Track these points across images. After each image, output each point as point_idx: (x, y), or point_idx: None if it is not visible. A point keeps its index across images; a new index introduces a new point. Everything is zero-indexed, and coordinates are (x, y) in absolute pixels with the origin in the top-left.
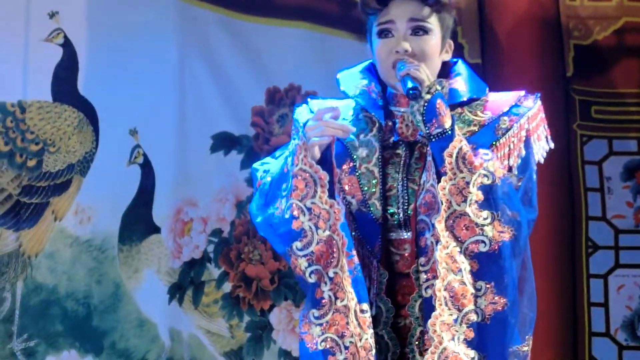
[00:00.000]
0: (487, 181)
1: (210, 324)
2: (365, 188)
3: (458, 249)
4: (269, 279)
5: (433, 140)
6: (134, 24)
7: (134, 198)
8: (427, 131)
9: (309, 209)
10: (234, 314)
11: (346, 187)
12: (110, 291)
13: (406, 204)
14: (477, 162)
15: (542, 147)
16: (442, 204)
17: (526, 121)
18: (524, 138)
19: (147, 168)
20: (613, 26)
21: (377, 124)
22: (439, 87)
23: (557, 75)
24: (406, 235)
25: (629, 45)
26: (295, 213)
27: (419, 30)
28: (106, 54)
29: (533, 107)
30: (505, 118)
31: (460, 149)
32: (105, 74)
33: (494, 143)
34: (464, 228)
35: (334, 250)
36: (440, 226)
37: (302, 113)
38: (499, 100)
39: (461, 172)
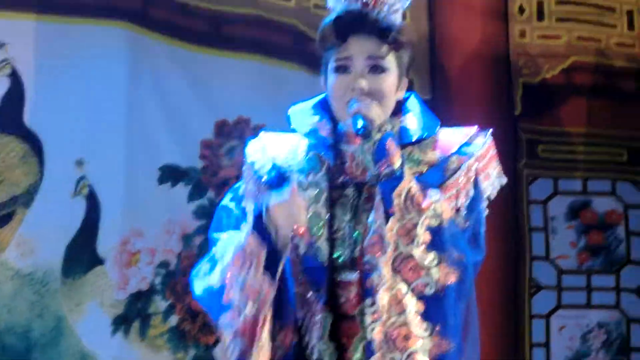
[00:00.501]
0: (434, 223)
1: (156, 357)
2: (313, 230)
3: (404, 290)
4: None
5: (382, 180)
6: (84, 54)
7: (78, 230)
8: (377, 171)
9: (242, 284)
10: (180, 347)
11: (294, 230)
12: (51, 325)
13: (352, 246)
14: (425, 203)
15: (491, 184)
16: (389, 245)
17: (475, 160)
18: (472, 178)
19: (92, 199)
20: (561, 65)
21: (326, 164)
22: (389, 127)
23: (505, 113)
24: (352, 277)
25: (576, 85)
26: (228, 286)
27: (377, 68)
28: (54, 84)
29: (483, 146)
30: (454, 158)
31: (409, 189)
32: (53, 104)
33: (442, 183)
34: (410, 270)
35: (259, 327)
36: (386, 267)
37: (253, 148)
38: (449, 138)
39: (409, 213)
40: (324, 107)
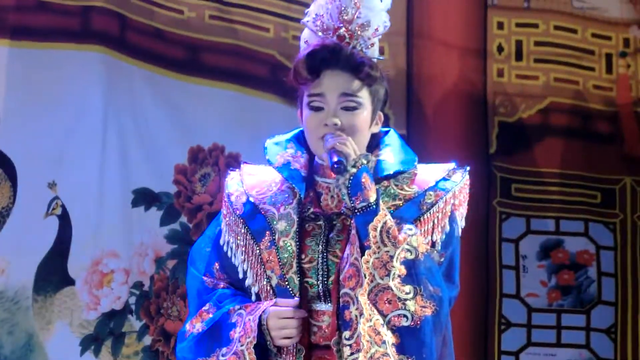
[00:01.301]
0: (410, 256)
1: None
2: (284, 262)
3: (381, 321)
4: None
5: (357, 214)
6: (59, 78)
7: (50, 249)
8: (352, 204)
9: None
10: None
11: (266, 262)
12: (22, 342)
13: (325, 276)
14: (401, 236)
15: (459, 225)
16: (365, 277)
17: (452, 196)
18: (449, 213)
19: (65, 220)
20: (538, 105)
21: (297, 196)
22: (364, 161)
23: (480, 151)
24: (325, 307)
25: (552, 126)
26: None
27: (350, 104)
28: (28, 108)
29: (460, 182)
30: (431, 193)
31: (385, 223)
32: (26, 128)
33: (418, 218)
34: (386, 302)
35: None
36: (363, 299)
37: (232, 180)
38: (427, 173)
39: (385, 246)
40: (299, 140)
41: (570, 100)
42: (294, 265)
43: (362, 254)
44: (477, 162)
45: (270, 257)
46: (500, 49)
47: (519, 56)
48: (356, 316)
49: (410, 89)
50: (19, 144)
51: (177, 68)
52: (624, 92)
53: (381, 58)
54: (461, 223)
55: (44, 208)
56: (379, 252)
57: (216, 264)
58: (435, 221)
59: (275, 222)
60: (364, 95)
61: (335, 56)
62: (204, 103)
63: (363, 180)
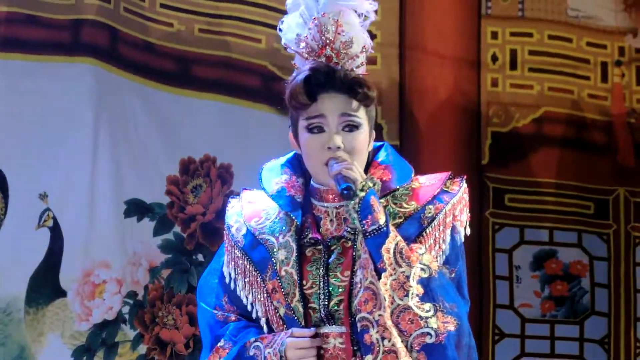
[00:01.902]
0: (424, 274)
1: None
2: (287, 291)
3: (405, 343)
4: (183, 344)
5: (369, 237)
6: (50, 89)
7: (42, 261)
8: (363, 228)
9: None
10: None
11: (271, 293)
12: (14, 354)
13: (327, 300)
14: (414, 256)
15: (462, 233)
16: (385, 299)
17: (451, 208)
18: (450, 225)
19: (56, 231)
20: (532, 115)
21: (294, 223)
22: (371, 185)
23: (473, 162)
24: (329, 329)
25: (547, 135)
26: None
27: (350, 125)
28: (19, 118)
29: (459, 192)
30: (431, 207)
31: (397, 244)
32: (17, 139)
33: (420, 233)
34: (409, 322)
35: None
36: (388, 322)
37: (232, 210)
38: (424, 186)
39: (400, 266)
40: (293, 164)
41: (564, 109)
42: (297, 293)
43: (379, 277)
44: (470, 173)
45: (275, 288)
46: (494, 58)
47: (513, 65)
48: (377, 339)
49: (403, 100)
50: (9, 155)
51: (168, 80)
52: (618, 102)
53: (366, 74)
54: (464, 231)
55: (36, 219)
56: (395, 274)
57: (225, 297)
58: (437, 235)
59: (275, 252)
60: (362, 115)
61: (330, 78)
62: (195, 115)
63: (372, 203)
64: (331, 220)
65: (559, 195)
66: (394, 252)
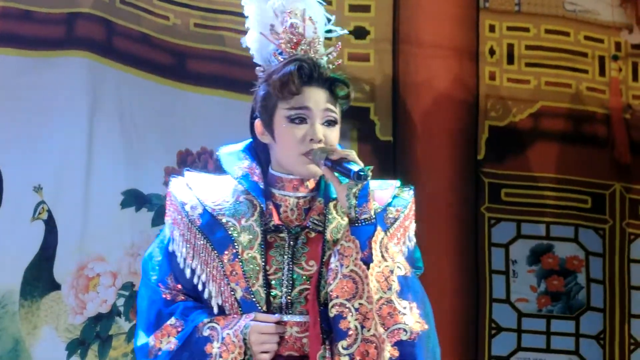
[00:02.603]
0: (401, 272)
1: None
2: (249, 275)
3: (384, 334)
4: None
5: (359, 225)
6: (44, 83)
7: (37, 254)
8: (356, 215)
9: None
10: None
11: (229, 275)
12: (9, 347)
13: (290, 288)
14: (393, 253)
15: (413, 240)
16: (371, 290)
17: (409, 212)
18: (408, 229)
19: (51, 224)
20: (530, 109)
21: (258, 208)
22: (370, 174)
23: (469, 157)
24: (287, 317)
25: (544, 130)
26: None
27: (330, 120)
28: (13, 111)
29: (410, 201)
30: (392, 209)
31: (382, 238)
32: (11, 132)
33: (385, 232)
34: (388, 315)
35: None
36: (371, 311)
37: (180, 188)
38: (380, 190)
39: (385, 260)
40: (252, 152)
41: (562, 103)
42: (260, 278)
43: (367, 267)
44: (465, 167)
45: (235, 270)
46: (491, 52)
47: (510, 60)
48: (356, 326)
49: (397, 96)
50: (4, 148)
51: (164, 73)
52: (615, 97)
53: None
54: (412, 240)
55: (30, 212)
56: (380, 266)
57: (170, 275)
58: (399, 235)
59: (237, 235)
60: (338, 113)
61: (316, 73)
62: (191, 108)
63: (369, 192)
64: (291, 210)
65: (556, 189)
66: (380, 246)
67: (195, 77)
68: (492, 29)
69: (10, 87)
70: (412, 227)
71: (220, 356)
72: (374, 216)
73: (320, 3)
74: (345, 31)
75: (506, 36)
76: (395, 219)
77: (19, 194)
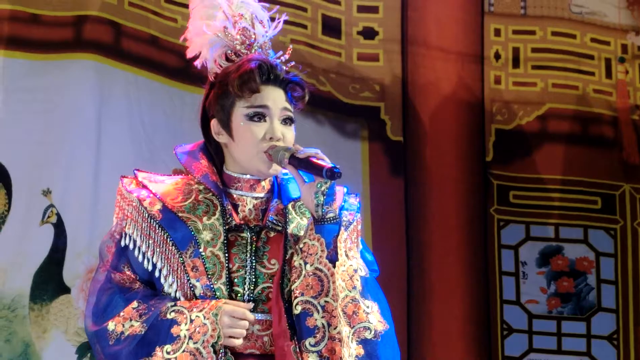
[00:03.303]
0: (362, 273)
1: None
2: (211, 272)
3: (349, 332)
4: None
5: (325, 224)
6: (53, 86)
7: (46, 257)
8: (323, 214)
9: None
10: None
11: (190, 270)
12: (19, 350)
13: (252, 286)
14: (352, 253)
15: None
16: (335, 288)
17: (360, 217)
18: (359, 233)
19: (60, 227)
20: (537, 112)
21: (219, 207)
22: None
23: (477, 159)
24: (258, 316)
25: (552, 132)
26: None
27: (288, 119)
28: (22, 116)
29: (359, 205)
30: (345, 212)
31: (345, 238)
32: (20, 135)
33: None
34: (353, 314)
35: None
36: (337, 310)
37: (133, 186)
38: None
39: (349, 259)
40: (206, 152)
41: (569, 105)
42: (223, 276)
43: (333, 265)
44: (474, 170)
45: (196, 266)
46: (497, 56)
47: (515, 64)
48: (323, 324)
49: (406, 96)
50: (13, 151)
51: (172, 75)
52: (622, 99)
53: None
54: (362, 244)
55: (39, 216)
56: (345, 265)
57: (127, 264)
58: (353, 238)
59: (199, 232)
60: (294, 112)
61: (273, 72)
62: (198, 110)
63: (336, 191)
64: (249, 210)
65: (565, 191)
66: (344, 245)
67: (201, 79)
68: (497, 33)
69: (19, 90)
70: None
71: (191, 338)
72: (338, 215)
73: (264, 8)
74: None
75: (512, 39)
76: (350, 222)
77: (28, 197)
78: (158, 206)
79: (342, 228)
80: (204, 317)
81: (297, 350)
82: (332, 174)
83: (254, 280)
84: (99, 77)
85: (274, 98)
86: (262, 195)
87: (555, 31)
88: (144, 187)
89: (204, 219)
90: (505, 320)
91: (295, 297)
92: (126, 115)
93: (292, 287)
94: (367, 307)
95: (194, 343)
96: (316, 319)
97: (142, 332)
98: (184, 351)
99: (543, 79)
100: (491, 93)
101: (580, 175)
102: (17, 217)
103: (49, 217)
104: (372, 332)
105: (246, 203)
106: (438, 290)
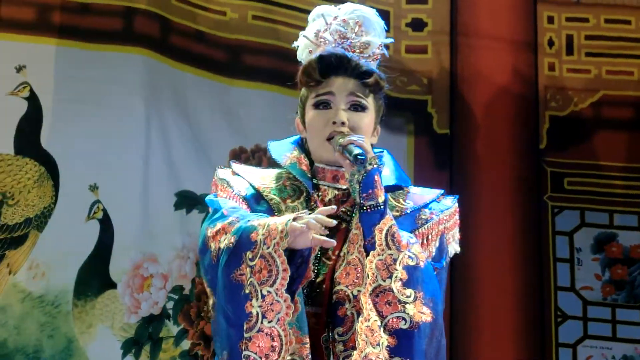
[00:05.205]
0: (411, 262)
1: None
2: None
3: (379, 323)
4: None
5: (365, 211)
6: (102, 79)
7: (91, 253)
8: (361, 202)
9: (263, 296)
10: None
11: None
12: (62, 346)
13: (315, 276)
14: (404, 242)
15: (453, 248)
16: (368, 277)
17: (444, 218)
18: (440, 233)
19: (106, 223)
20: (591, 98)
21: (304, 193)
22: (378, 162)
23: (530, 146)
24: (308, 308)
25: (606, 118)
26: (250, 294)
27: (357, 105)
28: (72, 108)
29: (451, 207)
30: (426, 210)
31: (391, 227)
32: (70, 128)
33: (413, 231)
34: (386, 303)
35: (275, 343)
36: (364, 298)
37: (226, 173)
38: (419, 193)
39: (389, 249)
40: (300, 146)
41: (624, 91)
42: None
43: (367, 254)
44: (527, 157)
45: None
46: (551, 42)
47: (569, 50)
48: (352, 314)
49: (454, 87)
50: (61, 143)
51: (219, 70)
52: None
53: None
54: (456, 247)
55: (85, 211)
56: (382, 254)
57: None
58: (430, 237)
59: (280, 212)
60: (370, 101)
61: (345, 62)
62: (245, 104)
63: (375, 179)
64: (329, 200)
65: (620, 178)
66: (386, 234)
67: (249, 73)
68: (550, 20)
69: (70, 80)
70: (452, 234)
71: (265, 243)
72: (381, 204)
73: (379, 17)
74: (387, 43)
75: (565, 27)
76: (427, 221)
77: (75, 192)
78: (245, 185)
79: (390, 216)
80: (278, 223)
81: (329, 339)
82: (356, 160)
83: (316, 270)
84: (148, 71)
85: (341, 85)
86: (344, 187)
87: (609, 18)
88: (237, 174)
89: (288, 201)
90: (559, 307)
91: (335, 286)
92: (173, 111)
93: (334, 276)
94: (407, 296)
95: (267, 248)
96: (347, 308)
97: (234, 243)
98: (260, 257)
99: (597, 66)
100: (545, 80)
101: (636, 161)
102: (63, 213)
103: (95, 213)
104: (408, 323)
105: (327, 194)
106: (489, 278)
